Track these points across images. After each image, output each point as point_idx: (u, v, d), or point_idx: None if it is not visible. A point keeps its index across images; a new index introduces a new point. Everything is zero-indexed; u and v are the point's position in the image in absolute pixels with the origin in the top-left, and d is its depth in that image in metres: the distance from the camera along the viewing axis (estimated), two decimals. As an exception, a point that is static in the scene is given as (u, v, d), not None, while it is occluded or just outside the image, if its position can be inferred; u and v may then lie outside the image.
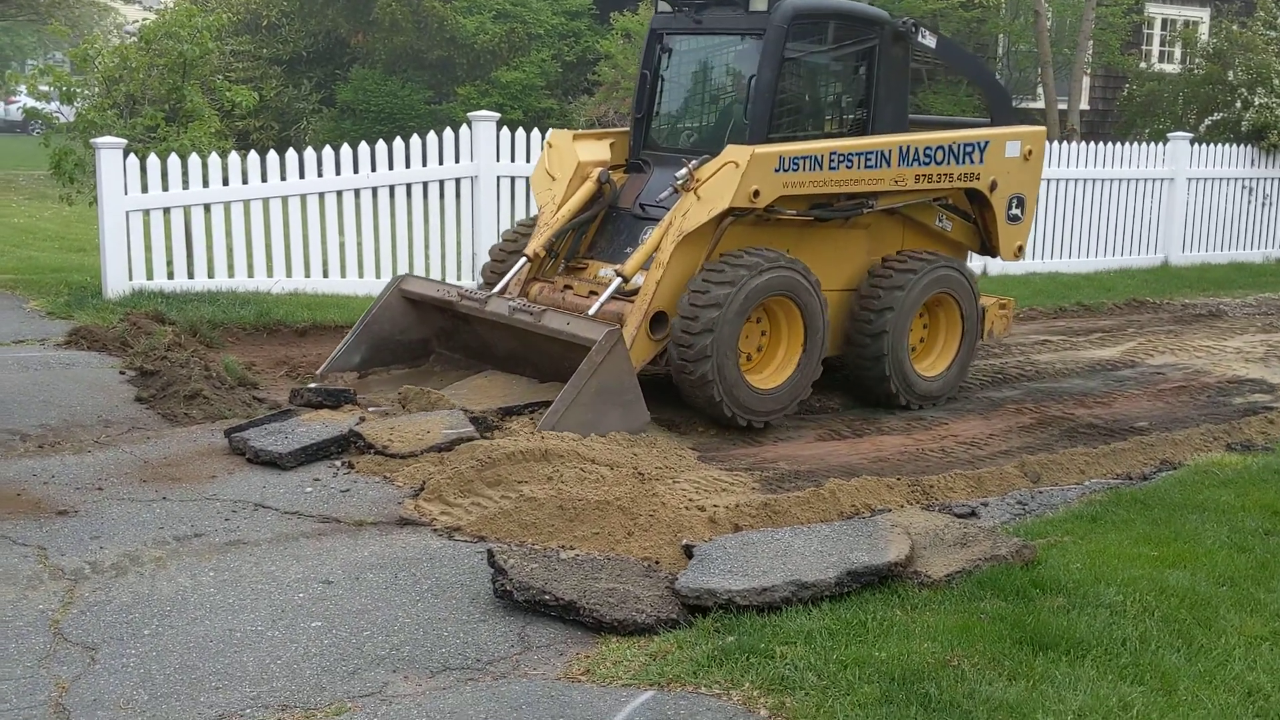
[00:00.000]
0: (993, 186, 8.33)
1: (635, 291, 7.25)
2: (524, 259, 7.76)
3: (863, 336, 7.80)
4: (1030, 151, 8.53)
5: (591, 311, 7.11)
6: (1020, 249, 8.78)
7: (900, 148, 7.73)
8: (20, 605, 4.59)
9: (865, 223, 7.95)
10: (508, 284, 7.78)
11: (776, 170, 7.18)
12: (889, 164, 7.68)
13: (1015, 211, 8.56)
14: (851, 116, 7.97)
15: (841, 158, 7.45)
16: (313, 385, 7.30)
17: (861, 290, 7.88)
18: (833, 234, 7.83)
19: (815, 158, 7.34)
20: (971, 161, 8.17)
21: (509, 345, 7.53)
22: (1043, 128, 8.96)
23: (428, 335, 8.03)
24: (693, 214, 7.16)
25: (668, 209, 7.45)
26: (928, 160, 7.89)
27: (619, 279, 7.25)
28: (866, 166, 7.58)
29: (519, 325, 7.17)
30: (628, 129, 8.45)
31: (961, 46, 9.94)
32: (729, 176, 7.08)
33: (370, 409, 7.08)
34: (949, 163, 8.02)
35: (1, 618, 4.47)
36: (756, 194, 7.13)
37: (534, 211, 11.00)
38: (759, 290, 7.11)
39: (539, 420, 6.57)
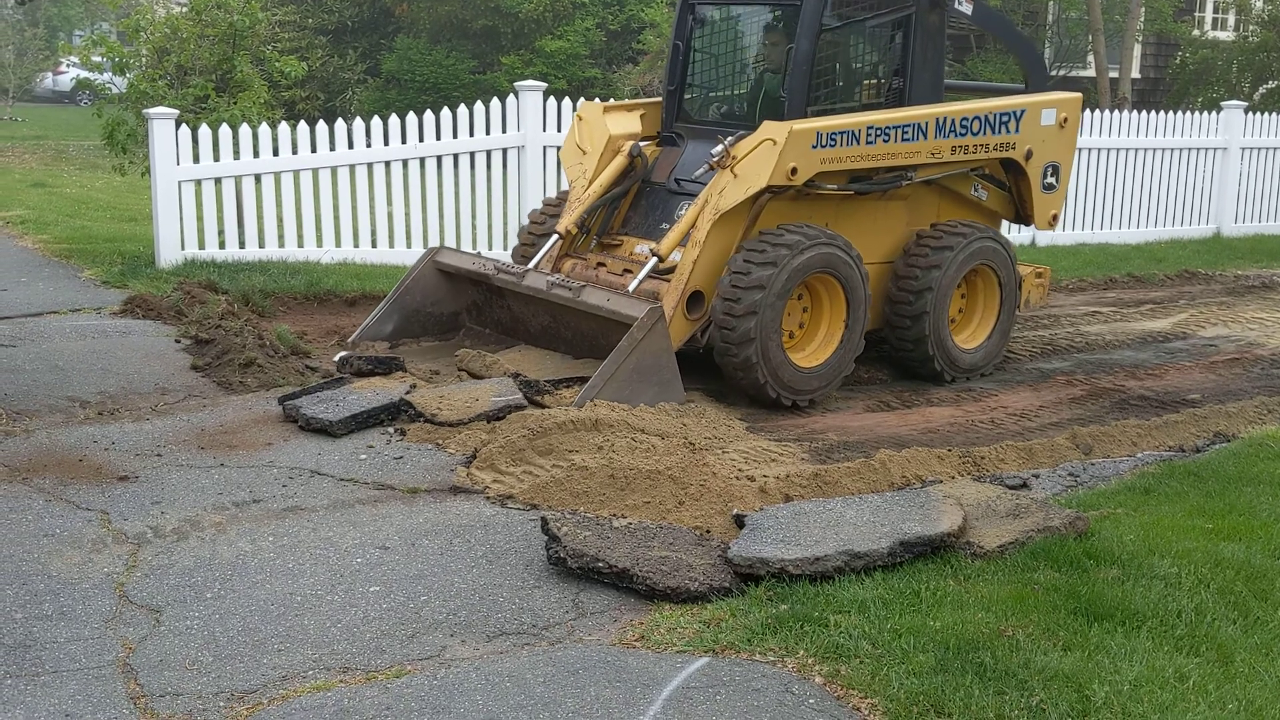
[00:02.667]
0: (1028, 155, 8.25)
1: (671, 269, 7.17)
2: (555, 236, 7.69)
3: (903, 319, 7.72)
4: (1065, 119, 8.42)
5: (629, 289, 7.05)
6: (1055, 217, 8.70)
7: (937, 119, 7.64)
8: (86, 568, 4.69)
9: (903, 194, 7.87)
10: (540, 260, 7.68)
11: (814, 146, 7.09)
12: (925, 136, 7.59)
13: (1050, 180, 8.47)
14: (888, 86, 7.86)
15: (878, 132, 7.36)
16: (344, 354, 7.33)
17: (899, 269, 7.79)
18: (871, 206, 7.77)
19: (852, 133, 7.24)
20: (1008, 131, 8.08)
21: (542, 321, 7.52)
22: (1078, 94, 8.80)
23: (458, 309, 8.04)
24: (729, 192, 7.07)
25: (704, 185, 7.37)
26: (964, 131, 7.81)
27: (654, 258, 7.17)
28: (903, 140, 7.49)
29: (556, 300, 7.14)
30: (658, 100, 8.36)
31: (999, 12, 9.79)
32: (766, 154, 6.99)
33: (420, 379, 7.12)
34: (985, 133, 7.94)
35: (68, 580, 4.58)
36: (794, 171, 7.02)
37: (578, 182, 11.08)
38: (801, 269, 7.02)
39: (575, 395, 6.57)
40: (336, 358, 7.33)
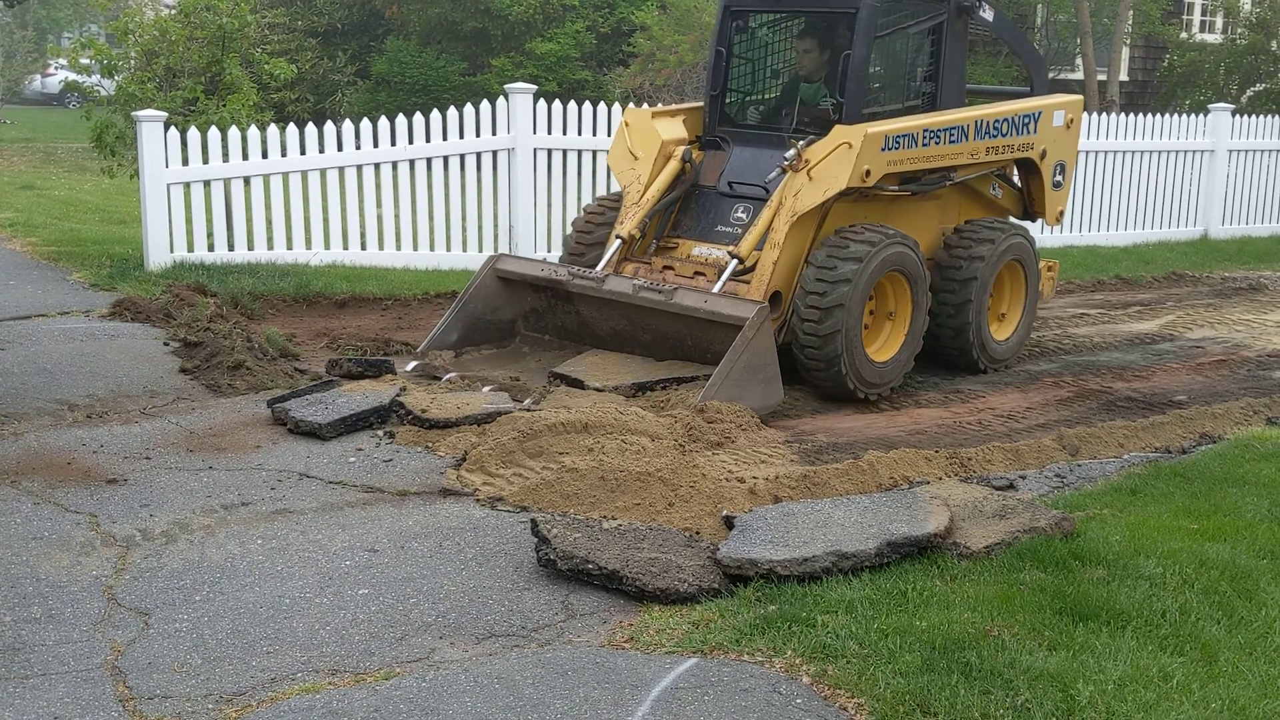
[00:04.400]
0: (1043, 155, 8.64)
1: (747, 271, 7.36)
2: (618, 240, 7.78)
3: (947, 308, 7.99)
4: (1071, 120, 8.83)
5: (715, 291, 7.16)
6: (1061, 213, 9.13)
7: (976, 122, 8.01)
8: (74, 571, 4.69)
9: (938, 194, 8.19)
10: (603, 266, 7.74)
11: (883, 149, 7.36)
12: (967, 138, 7.96)
13: (1058, 178, 8.87)
14: (921, 90, 8.17)
15: (931, 134, 7.70)
16: (412, 364, 7.38)
17: (942, 260, 8.08)
18: (914, 206, 8.07)
19: (912, 135, 7.54)
20: (1028, 132, 8.44)
21: (615, 324, 7.56)
22: (1080, 97, 9.24)
23: (514, 316, 8.03)
24: (806, 194, 7.28)
25: (760, 186, 7.61)
26: (995, 133, 8.18)
27: (735, 260, 7.30)
28: (950, 141, 7.85)
29: (643, 304, 7.20)
30: (696, 105, 8.56)
31: (1010, 19, 10.12)
32: (844, 157, 7.21)
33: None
34: (1012, 134, 8.32)
35: (57, 583, 4.58)
36: (868, 174, 7.29)
37: (571, 183, 11.11)
38: (882, 265, 7.28)
39: (697, 394, 6.63)
40: (409, 366, 7.33)
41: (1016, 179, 8.89)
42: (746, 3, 8.23)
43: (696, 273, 7.64)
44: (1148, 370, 8.63)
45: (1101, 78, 16.86)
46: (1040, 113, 8.50)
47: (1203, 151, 14.14)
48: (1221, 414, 7.40)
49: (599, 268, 7.72)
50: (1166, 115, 13.97)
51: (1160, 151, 13.82)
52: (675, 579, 4.62)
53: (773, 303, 7.28)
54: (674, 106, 9.07)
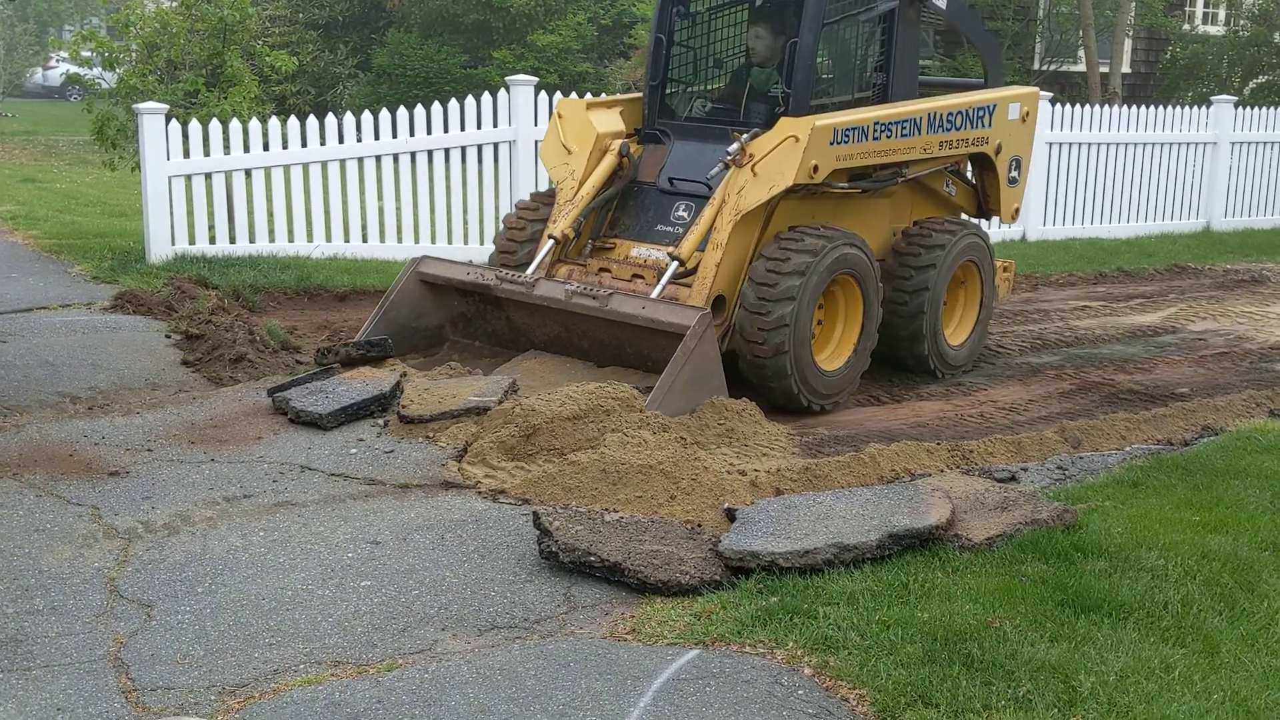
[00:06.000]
0: (998, 150, 8.25)
1: (686, 274, 6.99)
2: (551, 240, 7.36)
3: (899, 317, 7.66)
4: (1027, 113, 8.43)
5: (654, 296, 6.81)
6: (1017, 210, 8.72)
7: (929, 114, 7.61)
8: (77, 563, 4.69)
9: (889, 191, 7.80)
10: (535, 268, 7.30)
11: (831, 143, 6.97)
12: (920, 131, 7.55)
13: (1014, 174, 8.48)
14: (873, 82, 7.78)
15: (882, 127, 7.29)
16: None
17: (892, 268, 7.73)
18: (864, 204, 7.71)
19: (862, 128, 7.16)
20: (983, 125, 8.05)
21: (549, 330, 7.18)
22: (1036, 89, 8.87)
23: (442, 322, 7.59)
24: (750, 192, 6.88)
25: (702, 183, 7.22)
26: (949, 126, 7.77)
27: (675, 263, 6.91)
28: (902, 135, 7.44)
29: (577, 310, 6.81)
30: (634, 96, 8.10)
31: (966, 6, 9.79)
32: (790, 152, 6.82)
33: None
34: (966, 127, 7.92)
35: (59, 575, 4.59)
36: (816, 169, 6.89)
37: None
38: (835, 264, 6.94)
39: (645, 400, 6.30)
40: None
41: (971, 175, 8.54)
42: None
43: (635, 275, 7.21)
44: (1150, 363, 8.62)
45: (1104, 70, 16.84)
46: (995, 105, 8.11)
47: (1205, 144, 14.12)
48: (1223, 406, 7.40)
49: (530, 269, 7.29)
50: (1169, 108, 13.94)
51: (1163, 144, 13.80)
52: (677, 571, 4.63)
53: (715, 308, 6.85)
54: (611, 97, 8.60)
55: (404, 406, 6.34)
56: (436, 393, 6.51)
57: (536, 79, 11.15)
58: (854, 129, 7.13)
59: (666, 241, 7.32)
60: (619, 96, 8.65)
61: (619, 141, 7.62)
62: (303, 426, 6.27)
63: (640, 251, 7.38)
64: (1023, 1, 18.26)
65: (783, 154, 6.85)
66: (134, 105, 9.69)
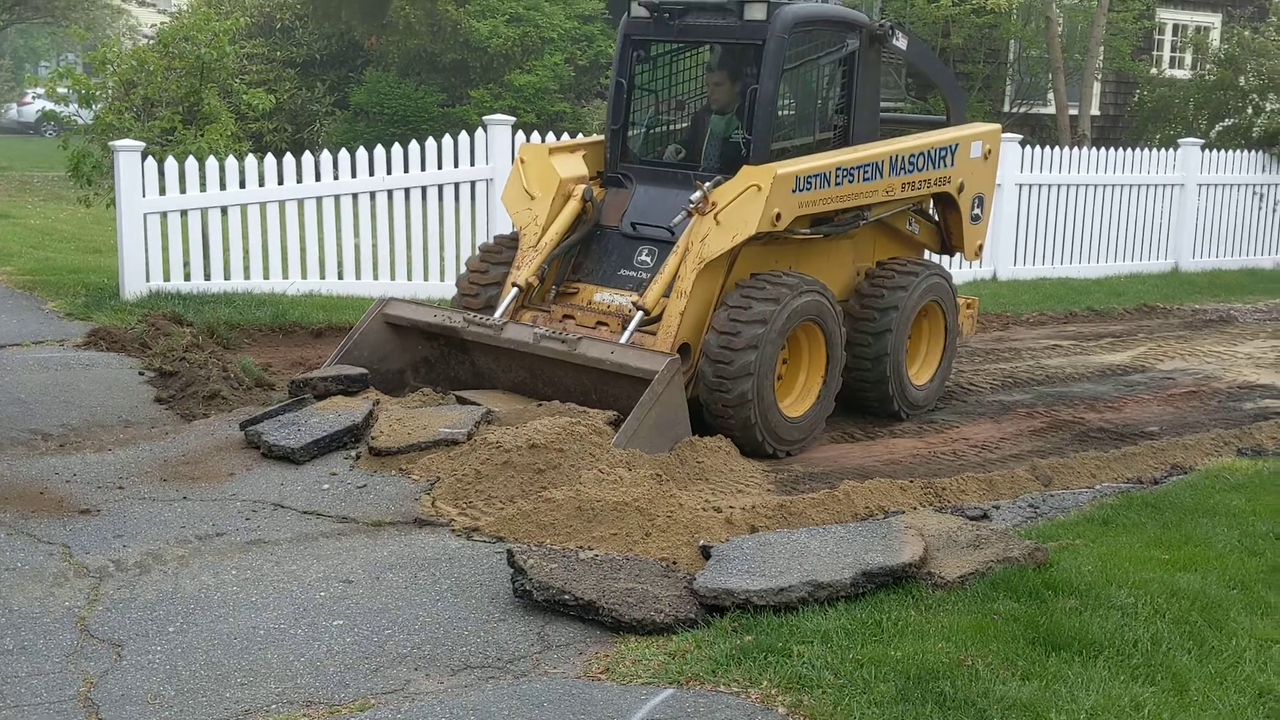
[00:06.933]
0: (960, 188, 8.29)
1: (651, 321, 6.97)
2: (515, 288, 7.33)
3: (863, 360, 7.66)
4: (989, 151, 8.49)
5: (622, 341, 6.81)
6: (980, 247, 8.78)
7: (891, 157, 7.63)
8: (47, 602, 4.66)
9: (852, 233, 7.80)
10: (500, 314, 7.27)
11: (794, 191, 6.98)
12: (882, 175, 7.57)
13: (977, 211, 8.53)
14: (834, 124, 7.80)
15: (845, 173, 7.30)
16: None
17: (855, 310, 7.74)
18: (826, 248, 7.72)
19: (824, 175, 7.17)
20: (945, 165, 8.08)
21: (514, 376, 7.17)
22: (998, 126, 8.92)
23: (404, 366, 7.52)
24: (713, 240, 6.88)
25: (665, 228, 7.22)
26: (911, 168, 7.79)
27: (640, 312, 6.90)
28: (865, 180, 7.46)
29: (544, 354, 6.80)
30: (597, 140, 8.10)
31: (926, 46, 9.88)
32: (753, 201, 6.81)
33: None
34: (928, 168, 7.94)
35: (29, 614, 4.55)
36: (778, 217, 6.90)
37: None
38: (798, 312, 6.95)
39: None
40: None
41: (934, 212, 8.56)
42: (647, 32, 7.73)
43: (599, 322, 7.18)
44: (1120, 401, 8.71)
45: (1073, 112, 17.07)
46: (957, 145, 8.12)
47: (1173, 185, 14.32)
48: (1192, 445, 7.47)
49: (496, 315, 7.26)
50: (1137, 150, 14.15)
51: (1132, 185, 13.99)
52: (651, 609, 4.63)
53: (681, 355, 6.80)
54: (573, 141, 8.62)
55: (374, 438, 6.31)
56: (408, 423, 6.49)
57: (514, 118, 11.22)
58: (816, 175, 7.13)
59: (630, 286, 7.32)
60: (581, 140, 8.65)
61: (582, 186, 7.63)
62: (275, 460, 6.25)
63: (604, 296, 7.38)
64: (994, 45, 18.52)
65: (745, 203, 6.85)
66: (110, 142, 9.69)
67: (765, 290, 6.89)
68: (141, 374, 7.72)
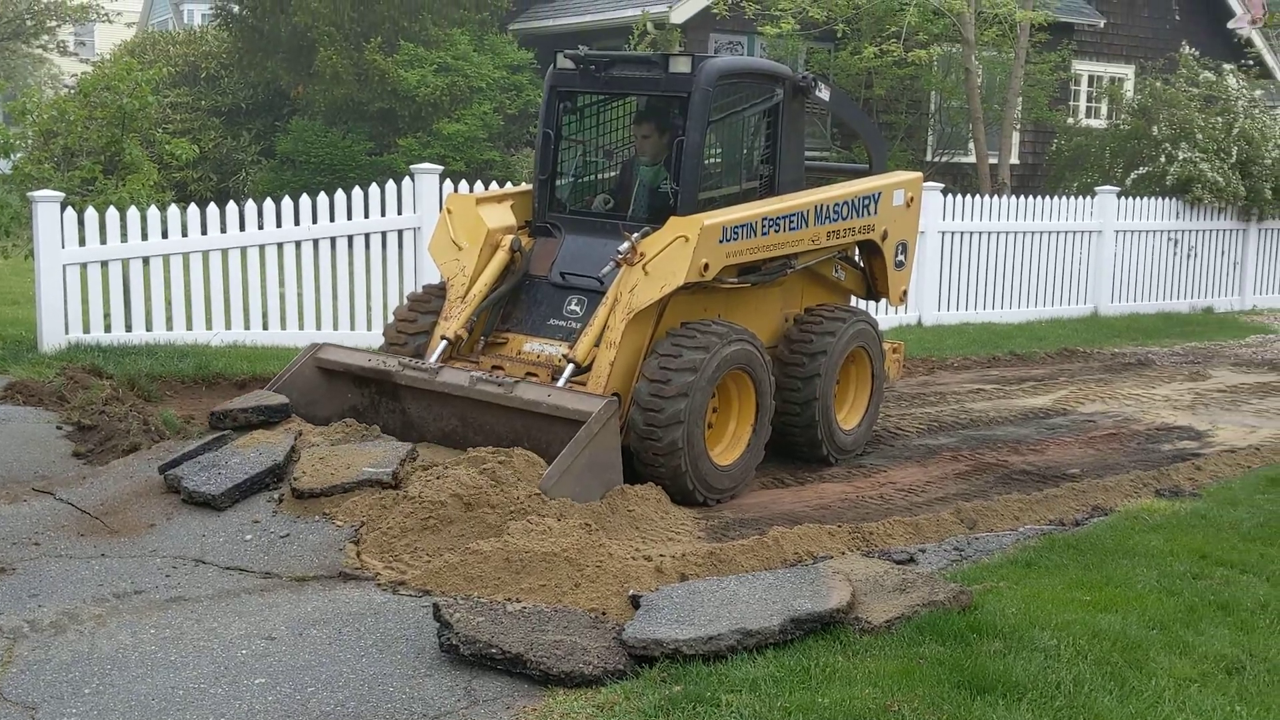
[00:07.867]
0: (884, 236, 8.41)
1: (582, 372, 7.00)
2: (444, 341, 7.32)
3: (792, 405, 7.71)
4: (911, 198, 8.64)
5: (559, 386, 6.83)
6: (905, 293, 8.92)
7: (816, 207, 7.74)
8: (-44, 665, 4.52)
9: (779, 280, 7.89)
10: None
11: (721, 241, 7.05)
12: (807, 224, 7.68)
13: (900, 258, 8.68)
14: (760, 174, 7.90)
15: (770, 223, 7.39)
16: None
17: (784, 355, 7.81)
18: (754, 296, 7.78)
19: (750, 225, 7.24)
20: (869, 213, 8.21)
21: (446, 424, 7.11)
22: (919, 175, 9.08)
23: (331, 413, 7.37)
24: (642, 290, 6.92)
25: (594, 278, 7.27)
26: (836, 216, 7.90)
27: (571, 365, 6.94)
28: (790, 229, 7.55)
29: (479, 398, 6.78)
30: (525, 189, 8.17)
31: (848, 96, 10.10)
32: (680, 252, 6.87)
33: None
34: (852, 217, 8.06)
35: (-63, 678, 4.41)
36: (706, 267, 6.95)
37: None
38: (728, 360, 6.98)
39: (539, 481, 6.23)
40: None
41: (859, 259, 8.68)
42: (574, 83, 7.79)
43: (528, 372, 7.18)
44: (1042, 444, 8.85)
45: (993, 161, 17.45)
46: (880, 193, 8.26)
47: (1091, 232, 14.68)
48: (1112, 486, 7.61)
49: (430, 361, 7.23)
50: (1056, 197, 14.49)
51: (1051, 232, 14.31)
52: (580, 661, 4.60)
53: None
54: (501, 191, 8.60)
55: (297, 479, 6.20)
56: (331, 462, 6.38)
57: (441, 167, 11.22)
58: (743, 226, 7.20)
59: (559, 336, 7.34)
60: (509, 190, 8.63)
61: (510, 236, 7.63)
62: (196, 506, 6.13)
63: (533, 346, 7.38)
64: (915, 96, 18.91)
65: (673, 253, 6.90)
66: (29, 193, 9.52)
67: (695, 339, 6.94)
68: (59, 428, 7.55)
